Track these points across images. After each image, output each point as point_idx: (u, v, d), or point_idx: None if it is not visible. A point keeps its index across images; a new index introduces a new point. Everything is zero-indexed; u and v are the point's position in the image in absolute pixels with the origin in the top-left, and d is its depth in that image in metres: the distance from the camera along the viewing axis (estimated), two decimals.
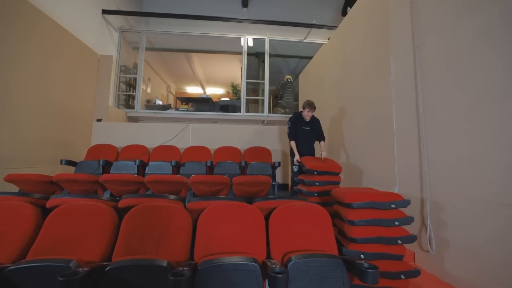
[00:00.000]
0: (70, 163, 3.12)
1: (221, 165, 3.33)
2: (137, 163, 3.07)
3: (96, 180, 2.53)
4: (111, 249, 1.46)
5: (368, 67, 2.85)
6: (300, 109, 3.27)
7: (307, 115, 3.03)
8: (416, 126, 2.12)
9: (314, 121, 3.14)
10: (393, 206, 1.67)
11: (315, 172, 2.59)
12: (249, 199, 1.95)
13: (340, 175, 2.70)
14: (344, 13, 6.52)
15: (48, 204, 1.59)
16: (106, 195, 2.65)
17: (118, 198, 1.76)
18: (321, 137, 3.11)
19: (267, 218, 1.69)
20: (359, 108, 3.00)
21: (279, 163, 3.29)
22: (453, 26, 1.81)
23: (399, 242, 1.63)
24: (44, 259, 1.19)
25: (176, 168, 3.30)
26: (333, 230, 1.70)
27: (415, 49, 2.16)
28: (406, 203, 1.70)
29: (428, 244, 1.87)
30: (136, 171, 3.17)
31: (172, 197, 1.78)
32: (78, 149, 3.83)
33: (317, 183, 2.55)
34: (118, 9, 5.03)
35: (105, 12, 4.80)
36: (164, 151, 3.62)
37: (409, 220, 1.67)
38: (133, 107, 5.49)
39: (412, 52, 2.20)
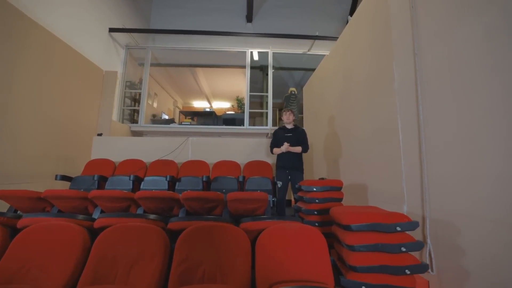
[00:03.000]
0: (65, 178, 3.07)
1: (218, 180, 3.19)
2: (131, 178, 2.98)
3: (85, 197, 2.44)
4: (77, 276, 1.31)
5: (371, 75, 2.69)
6: (305, 122, 3.17)
7: (287, 119, 2.99)
8: (417, 137, 1.92)
9: (297, 128, 3.05)
10: (398, 228, 1.46)
11: (314, 189, 2.40)
12: (239, 219, 1.78)
13: (344, 191, 2.51)
14: None
15: (19, 224, 1.49)
16: (97, 213, 2.55)
17: None
18: (303, 146, 2.97)
19: (256, 239, 1.51)
20: (363, 119, 2.82)
21: None
22: (455, 30, 1.65)
23: (408, 272, 1.40)
24: None
25: (172, 184, 3.19)
26: (333, 255, 1.50)
27: (415, 56, 2.00)
28: (414, 225, 1.48)
29: (429, 264, 1.62)
30: (131, 187, 3.08)
31: (151, 216, 1.64)
32: (77, 164, 3.81)
33: (316, 200, 2.35)
34: (124, 27, 5.18)
35: (112, 30, 4.95)
36: (162, 165, 3.53)
37: (418, 245, 1.44)
38: (137, 122, 5.51)
39: (413, 59, 2.04)
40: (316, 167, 4.28)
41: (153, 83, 7.30)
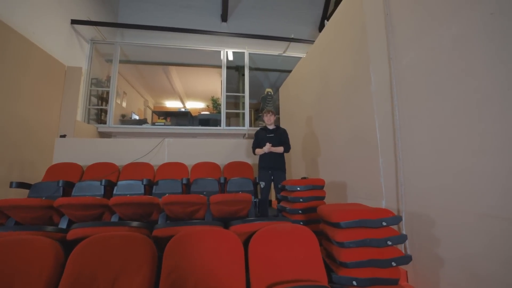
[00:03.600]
0: (22, 185, 2.72)
1: (199, 183, 3.08)
2: (103, 183, 2.74)
3: (50, 205, 2.18)
4: None
5: (348, 78, 2.79)
6: (282, 123, 3.20)
7: (269, 120, 3.03)
8: (393, 137, 2.05)
9: (279, 129, 3.09)
10: (384, 223, 1.52)
11: (298, 188, 2.43)
12: (228, 221, 1.73)
13: (325, 190, 2.57)
14: (321, 29, 6.69)
15: None
16: (64, 222, 2.30)
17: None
18: (285, 146, 3.01)
19: (246, 242, 1.47)
20: (341, 119, 2.91)
21: None
22: (428, 36, 1.78)
23: (394, 264, 1.47)
24: None
25: (149, 188, 3.00)
26: (321, 252, 1.51)
27: (390, 60, 2.12)
28: (397, 219, 1.56)
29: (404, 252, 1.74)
30: (102, 193, 2.83)
31: (134, 224, 1.51)
32: (37, 169, 3.40)
33: (301, 199, 2.38)
34: (89, 20, 4.77)
35: (74, 22, 4.53)
36: (136, 169, 3.30)
37: (403, 238, 1.52)
38: (105, 122, 5.11)
39: (388, 62, 2.16)
40: (294, 167, 4.35)
41: (122, 81, 6.86)
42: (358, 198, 2.51)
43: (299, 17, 6.87)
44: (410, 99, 1.93)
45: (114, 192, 2.88)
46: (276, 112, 6.04)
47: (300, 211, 2.35)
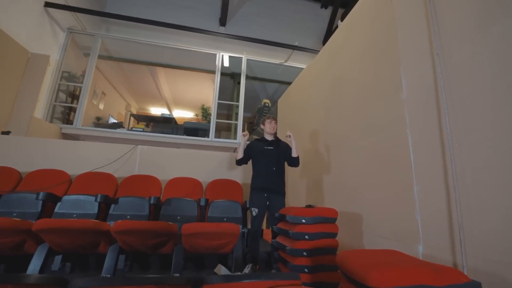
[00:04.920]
0: None
1: (172, 204, 2.49)
2: (40, 197, 2.11)
3: None
4: None
5: (367, 85, 2.36)
6: (280, 135, 2.73)
7: (271, 128, 2.57)
8: (441, 158, 1.56)
9: (279, 142, 2.63)
10: None
11: (303, 220, 1.88)
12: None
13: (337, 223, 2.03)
14: (325, 42, 6.47)
15: None
16: None
17: None
18: (295, 160, 2.57)
19: None
20: (357, 135, 2.45)
21: None
22: (497, 20, 1.36)
23: None
24: None
25: (105, 206, 2.37)
26: None
27: (436, 57, 1.69)
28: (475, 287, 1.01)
29: None
30: (39, 210, 2.18)
31: (34, 278, 0.89)
32: None
33: (306, 236, 1.85)
34: (67, 4, 4.30)
35: (48, 5, 4.05)
36: (93, 180, 2.68)
37: None
38: (73, 123, 4.49)
39: (431, 61, 1.73)
40: (291, 190, 3.80)
41: (102, 80, 6.33)
42: (380, 238, 1.98)
43: (303, 28, 6.68)
44: (467, 107, 1.46)
45: (56, 209, 2.24)
46: None
47: (305, 253, 1.80)
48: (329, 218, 1.96)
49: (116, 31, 5.46)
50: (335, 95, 2.98)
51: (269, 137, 2.58)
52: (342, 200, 2.58)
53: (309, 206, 2.13)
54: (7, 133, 3.06)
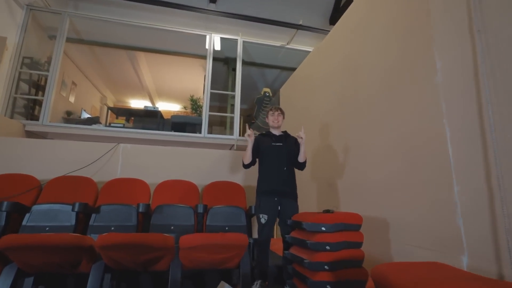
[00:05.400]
0: None
1: (164, 211, 2.45)
2: (4, 208, 2.02)
3: None
4: None
5: (392, 68, 2.33)
6: (286, 128, 2.67)
7: (276, 121, 2.49)
8: (482, 153, 1.53)
9: (288, 137, 2.57)
10: None
11: (323, 228, 1.84)
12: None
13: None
14: (332, 21, 6.42)
15: None
16: None
17: None
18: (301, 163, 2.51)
19: None
20: (379, 127, 2.41)
21: None
22: None
23: None
24: None
25: (84, 216, 2.29)
26: None
27: (476, 34, 1.65)
28: None
29: None
30: (2, 223, 2.09)
31: None
32: None
33: (327, 247, 1.81)
34: None
35: None
36: (68, 186, 2.60)
37: None
38: (38, 119, 4.35)
39: (470, 39, 1.69)
40: (300, 192, 3.76)
41: (72, 68, 6.18)
42: (412, 247, 1.95)
43: (308, 5, 6.58)
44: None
45: (25, 222, 2.16)
46: None
47: (326, 267, 1.75)
48: (353, 225, 1.93)
49: (87, 8, 5.26)
50: (351, 82, 2.93)
51: (276, 132, 2.52)
52: (362, 203, 2.55)
53: (327, 211, 2.09)
54: None
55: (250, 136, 2.36)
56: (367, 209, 2.44)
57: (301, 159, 2.44)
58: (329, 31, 3.57)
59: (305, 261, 1.81)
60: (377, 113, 2.47)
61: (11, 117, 4.17)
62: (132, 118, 5.60)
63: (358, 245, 1.91)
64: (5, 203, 2.01)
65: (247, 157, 2.38)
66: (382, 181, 2.33)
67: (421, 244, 1.87)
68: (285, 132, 2.57)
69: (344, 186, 2.88)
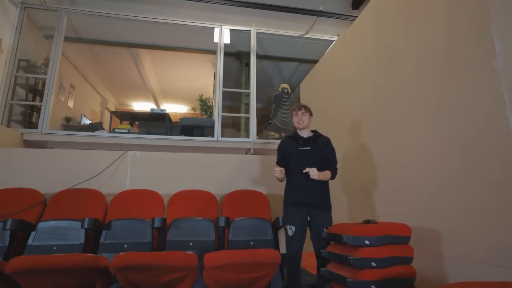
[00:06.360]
0: None
1: (181, 226, 2.46)
2: (9, 226, 2.05)
3: None
4: None
5: (438, 52, 2.27)
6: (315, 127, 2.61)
7: (300, 120, 2.40)
8: None
9: (318, 138, 2.49)
10: None
11: (367, 242, 1.79)
12: None
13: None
14: (355, 5, 6.35)
15: None
16: None
17: None
18: (331, 166, 2.42)
19: None
20: (424, 122, 2.34)
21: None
22: None
23: None
24: None
25: (93, 234, 2.31)
26: None
27: None
28: None
29: None
30: (6, 243, 2.13)
31: None
32: None
33: (373, 263, 1.76)
34: None
35: None
36: (75, 200, 2.65)
37: None
38: (36, 127, 4.45)
39: None
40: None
41: (70, 69, 6.35)
42: (472, 262, 1.88)
43: None
44: None
45: (30, 241, 2.19)
46: None
47: (373, 286, 1.71)
48: (401, 237, 1.88)
49: (84, 3, 5.38)
50: (386, 73, 2.89)
51: (304, 133, 2.46)
52: (405, 211, 2.49)
53: (368, 222, 2.03)
54: None
55: (282, 172, 2.29)
56: (411, 218, 2.36)
57: (327, 177, 2.35)
58: (353, 16, 3.51)
59: (348, 280, 1.76)
60: (420, 107, 2.40)
61: (8, 125, 4.30)
62: (137, 122, 5.67)
63: (408, 260, 1.87)
64: (9, 221, 2.03)
65: (280, 177, 2.32)
66: (430, 185, 2.25)
67: (485, 259, 1.78)
68: (314, 132, 2.51)
69: (382, 192, 2.81)
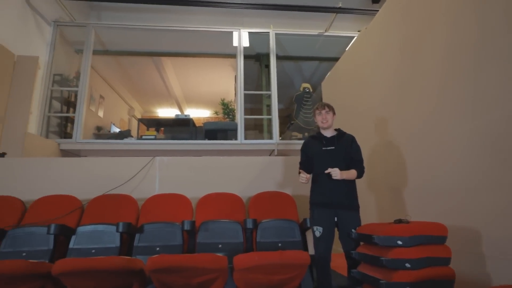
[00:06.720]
0: None
1: (210, 228, 2.49)
2: (52, 231, 2.17)
3: None
4: None
5: (467, 42, 2.16)
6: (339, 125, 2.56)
7: (324, 120, 2.34)
8: None
9: (342, 136, 2.42)
10: None
11: (400, 242, 1.73)
12: None
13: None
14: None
15: None
16: None
17: None
18: (356, 164, 2.34)
19: None
20: (455, 116, 2.24)
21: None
22: None
23: None
24: None
25: (128, 237, 2.40)
26: None
27: None
28: None
29: None
30: (51, 247, 2.25)
31: None
32: None
33: (407, 264, 1.70)
34: None
35: None
36: (109, 205, 2.75)
37: None
38: (71, 136, 4.69)
39: None
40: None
41: (99, 81, 6.62)
42: None
43: None
44: None
45: (71, 245, 2.31)
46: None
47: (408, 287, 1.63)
48: (436, 237, 1.79)
49: (108, 17, 5.61)
50: (411, 66, 2.79)
51: (328, 133, 2.42)
52: (439, 209, 2.38)
53: (399, 221, 1.96)
54: (2, 155, 3.22)
55: (308, 179, 2.26)
56: (446, 217, 2.25)
57: (353, 176, 2.30)
58: (373, 10, 3.42)
59: (381, 281, 1.71)
60: (450, 100, 2.30)
61: (47, 136, 4.55)
62: (162, 128, 5.83)
63: (446, 261, 1.77)
64: (52, 226, 2.16)
65: (304, 180, 2.27)
66: (466, 181, 2.15)
67: None
68: (338, 131, 2.47)
69: (412, 190, 2.71)
